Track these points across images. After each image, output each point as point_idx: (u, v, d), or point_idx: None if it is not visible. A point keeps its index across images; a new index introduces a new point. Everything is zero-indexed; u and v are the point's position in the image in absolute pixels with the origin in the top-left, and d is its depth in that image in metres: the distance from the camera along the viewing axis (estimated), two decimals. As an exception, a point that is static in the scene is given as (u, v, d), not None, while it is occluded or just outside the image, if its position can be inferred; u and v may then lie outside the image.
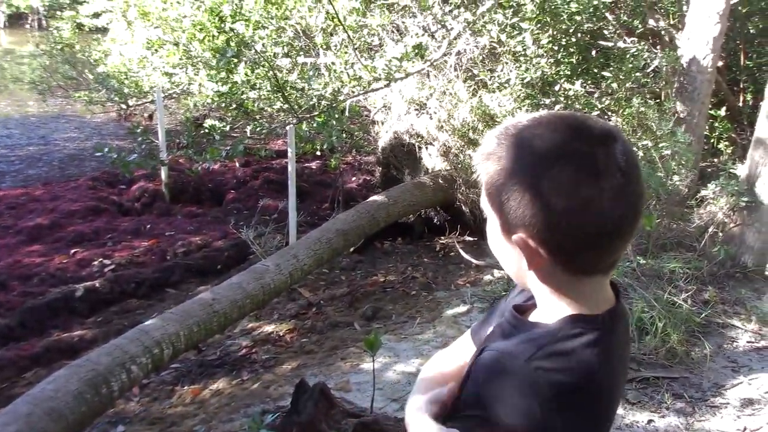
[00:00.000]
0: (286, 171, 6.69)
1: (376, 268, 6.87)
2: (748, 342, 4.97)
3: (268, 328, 5.59)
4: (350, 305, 5.97)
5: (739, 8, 9.84)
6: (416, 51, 5.91)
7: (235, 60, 5.99)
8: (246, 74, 6.01)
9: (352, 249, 6.80)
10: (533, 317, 1.18)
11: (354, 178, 9.59)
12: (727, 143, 9.24)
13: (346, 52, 6.15)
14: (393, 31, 7.03)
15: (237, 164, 9.67)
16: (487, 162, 1.10)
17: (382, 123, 7.70)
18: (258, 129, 6.96)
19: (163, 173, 8.72)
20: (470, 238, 7.09)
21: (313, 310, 5.89)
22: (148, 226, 7.94)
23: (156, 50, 7.72)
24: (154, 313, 5.35)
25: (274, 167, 9.65)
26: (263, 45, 6.32)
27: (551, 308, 1.12)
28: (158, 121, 9.01)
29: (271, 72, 6.12)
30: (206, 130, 6.72)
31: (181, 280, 6.61)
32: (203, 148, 6.48)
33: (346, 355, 4.88)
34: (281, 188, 8.06)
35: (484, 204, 1.14)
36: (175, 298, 6.03)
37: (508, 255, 1.14)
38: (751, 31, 12.78)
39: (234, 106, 7.28)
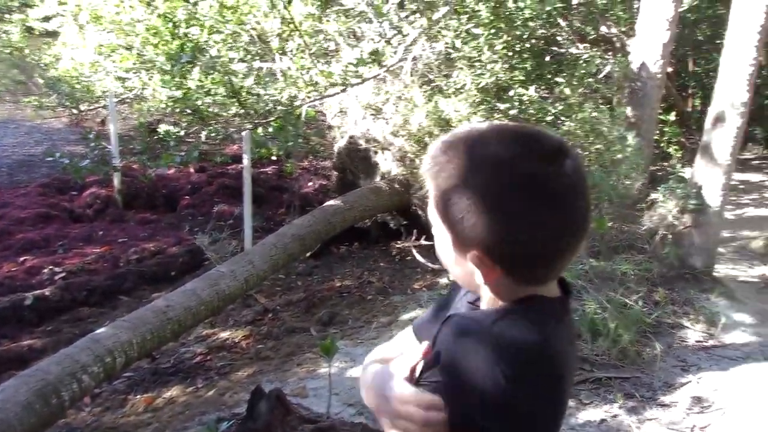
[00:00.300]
0: (242, 176, 6.65)
1: (333, 273, 6.87)
2: (696, 341, 5.09)
3: (224, 335, 5.54)
4: (307, 310, 5.95)
5: (688, 15, 10.11)
6: (372, 56, 5.94)
7: (190, 65, 5.94)
8: (200, 79, 5.96)
9: (308, 254, 6.78)
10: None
11: (310, 183, 9.56)
12: (676, 147, 9.47)
13: (302, 57, 6.14)
14: (349, 37, 7.04)
15: (192, 170, 9.56)
16: (438, 176, 1.09)
17: (339, 128, 7.71)
18: (213, 134, 6.90)
19: (116, 179, 8.59)
20: (426, 242, 7.12)
21: (269, 316, 5.86)
22: (101, 232, 7.80)
23: (109, 55, 7.61)
24: (107, 321, 5.25)
25: (230, 173, 9.56)
26: (218, 50, 6.27)
27: (498, 304, 1.15)
28: (111, 127, 8.87)
29: (226, 77, 6.08)
30: (160, 136, 6.64)
31: (134, 288, 6.50)
32: (157, 154, 6.40)
33: (302, 361, 4.86)
34: (237, 194, 8.00)
35: (433, 216, 1.14)
36: (128, 306, 5.93)
37: (460, 267, 1.14)
38: (699, 37, 13.12)
39: (189, 111, 7.21)
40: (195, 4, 5.94)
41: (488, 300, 1.16)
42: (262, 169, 9.79)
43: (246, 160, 6.37)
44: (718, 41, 10.81)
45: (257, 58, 6.96)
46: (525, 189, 1.02)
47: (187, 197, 8.94)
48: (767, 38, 5.63)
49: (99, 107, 11.50)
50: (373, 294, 6.22)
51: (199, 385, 4.72)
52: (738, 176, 9.83)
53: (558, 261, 1.09)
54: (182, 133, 6.83)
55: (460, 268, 1.14)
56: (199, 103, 6.42)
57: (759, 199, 9.97)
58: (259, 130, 6.45)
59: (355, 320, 5.65)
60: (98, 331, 4.13)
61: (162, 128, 6.72)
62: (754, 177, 11.50)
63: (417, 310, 5.68)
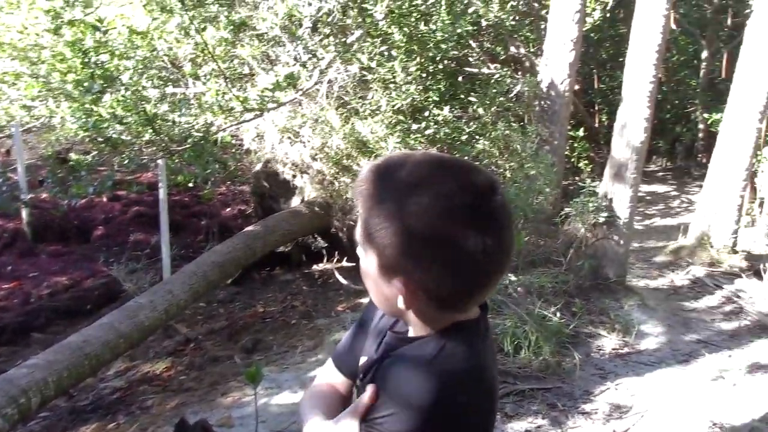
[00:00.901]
0: (158, 204, 6.51)
1: (255, 298, 6.79)
2: (613, 349, 5.26)
3: (144, 368, 5.39)
4: (229, 338, 5.85)
5: (592, 35, 10.52)
6: (288, 80, 5.93)
7: (101, 93, 5.79)
8: (112, 106, 5.81)
9: (229, 281, 6.68)
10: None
11: (229, 209, 9.44)
12: (586, 162, 9.81)
13: (216, 83, 6.09)
14: (264, 61, 7.03)
15: (105, 199, 9.29)
16: (366, 201, 1.10)
17: (256, 152, 7.66)
18: (127, 163, 6.74)
19: (24, 212, 8.26)
20: (348, 264, 7.14)
21: (191, 346, 5.74)
22: (9, 267, 7.47)
23: (13, 83, 7.34)
24: (19, 360, 5.04)
25: (145, 201, 9.32)
26: (130, 76, 6.15)
27: (423, 330, 1.17)
28: (17, 157, 8.54)
29: (139, 104, 5.96)
30: (71, 165, 6.43)
31: (47, 324, 6.25)
32: (68, 185, 6.20)
33: (227, 390, 4.77)
34: (153, 222, 7.81)
35: (360, 239, 1.15)
36: (42, 343, 5.68)
37: (383, 292, 1.16)
38: (604, 56, 13.69)
39: (100, 139, 7.02)
40: (105, 32, 5.80)
41: (415, 326, 1.18)
42: (178, 196, 9.61)
43: (162, 188, 6.25)
44: (620, 59, 11.28)
45: (170, 84, 6.86)
46: (455, 220, 1.04)
47: (101, 227, 8.66)
48: (665, 56, 5.92)
49: (2, 137, 11.05)
50: (297, 318, 6.18)
51: (120, 421, 4.57)
52: (644, 188, 10.27)
53: (482, 291, 1.13)
54: (94, 162, 6.64)
55: (383, 294, 1.15)
56: (110, 131, 6.27)
57: (665, 209, 10.41)
58: (175, 157, 6.35)
59: (279, 346, 5.60)
60: (11, 371, 3.95)
61: (73, 157, 6.52)
62: (659, 188, 12.02)
63: (342, 332, 5.67)
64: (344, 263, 7.16)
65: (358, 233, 1.15)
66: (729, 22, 12.59)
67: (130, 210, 9.05)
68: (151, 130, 6.03)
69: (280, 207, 7.58)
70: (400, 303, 1.11)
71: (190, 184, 7.09)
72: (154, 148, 6.63)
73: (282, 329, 5.98)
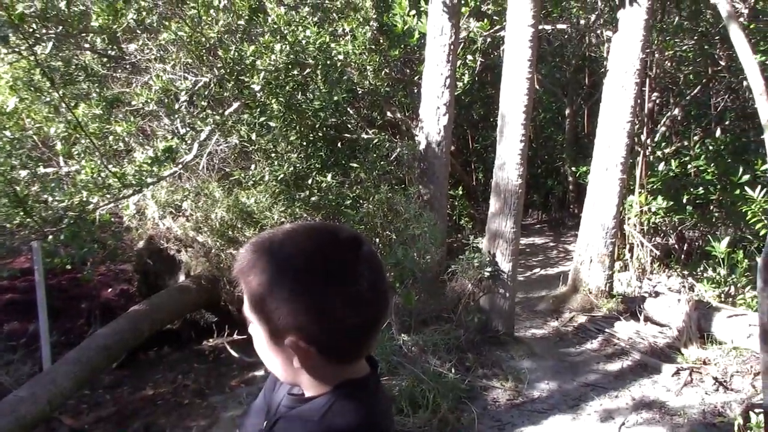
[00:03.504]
0: (33, 290, 6.18)
1: (144, 380, 6.50)
2: (508, 400, 5.37)
3: (25, 467, 5.02)
4: (119, 425, 5.56)
5: (462, 98, 10.98)
6: (166, 154, 5.85)
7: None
8: (-23, 191, 5.53)
9: (115, 364, 6.38)
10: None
11: (110, 289, 9.06)
12: (467, 219, 10.12)
13: (91, 160, 5.92)
14: (140, 136, 6.91)
15: (-28, 288, 8.73)
16: (249, 276, 1.16)
17: (137, 229, 7.45)
18: (-4, 248, 6.39)
19: None
20: (240, 337, 6.99)
21: (77, 438, 5.41)
22: None
23: None
24: None
25: (19, 287, 8.83)
26: (-4, 159, 5.89)
27: (317, 389, 1.22)
28: None
29: (8, 186, 5.69)
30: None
31: None
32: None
33: (118, 482, 4.52)
34: (29, 308, 7.38)
35: (249, 314, 1.21)
36: None
37: (277, 358, 1.21)
38: (475, 117, 14.30)
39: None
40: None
41: (309, 387, 1.22)
42: (55, 280, 9.15)
43: (37, 272, 5.95)
44: (491, 119, 11.85)
45: (41, 163, 6.61)
46: (331, 274, 1.13)
47: (-31, 319, 8.11)
48: (533, 114, 6.26)
49: None
50: (190, 397, 5.96)
51: None
52: (524, 240, 10.67)
53: (365, 336, 1.20)
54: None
55: (278, 359, 1.20)
56: (-24, 216, 5.94)
57: (544, 259, 10.84)
58: (50, 238, 6.07)
59: (173, 428, 5.37)
60: None
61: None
62: (537, 240, 12.53)
63: (237, 408, 5.52)
64: (236, 336, 7.00)
65: (246, 309, 1.21)
66: (587, 81, 13.47)
67: (2, 298, 8.52)
68: (22, 212, 5.77)
69: (166, 284, 7.37)
70: (296, 363, 1.17)
71: (68, 266, 6.78)
72: (27, 231, 6.33)
73: (174, 410, 5.74)
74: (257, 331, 1.21)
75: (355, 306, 1.13)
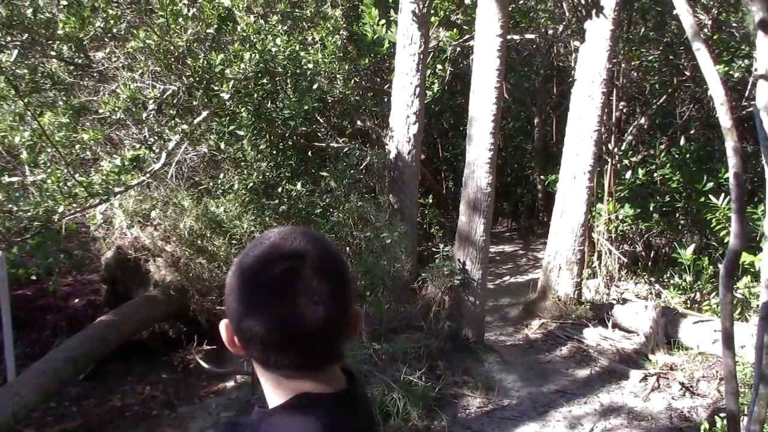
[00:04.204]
0: (-2, 301, 6.07)
1: (112, 392, 6.41)
2: (478, 408, 5.39)
3: (-11, 482, 4.93)
4: (85, 438, 5.49)
5: (432, 107, 11.03)
6: (134, 163, 5.80)
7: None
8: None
9: (82, 376, 6.28)
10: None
11: (77, 300, 8.92)
12: (437, 227, 10.15)
13: (57, 169, 5.84)
14: (107, 144, 6.84)
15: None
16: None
17: (104, 239, 7.35)
18: (-41, 258, 6.27)
19: None
20: (209, 347, 6.93)
21: (42, 452, 5.32)
22: None
23: None
24: None
25: (-18, 298, 8.67)
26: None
27: (272, 400, 1.20)
28: None
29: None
30: None
31: None
32: None
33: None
34: (-8, 321, 7.26)
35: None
36: None
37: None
38: (445, 125, 14.37)
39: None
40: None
41: (267, 397, 1.21)
42: (20, 291, 8.99)
43: (2, 283, 5.86)
44: (461, 128, 11.92)
45: (6, 172, 6.50)
46: (263, 284, 1.12)
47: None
48: (502, 123, 6.31)
49: None
50: (159, 408, 5.89)
51: None
52: (493, 248, 10.73)
53: (308, 347, 1.15)
54: None
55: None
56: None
57: (514, 267, 10.92)
58: (15, 249, 5.97)
59: (140, 440, 5.31)
60: None
61: None
62: (507, 247, 12.61)
63: (206, 418, 5.48)
64: (205, 347, 6.94)
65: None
66: (555, 90, 13.62)
67: (-37, 310, 8.36)
68: (-15, 223, 5.67)
69: (134, 294, 7.27)
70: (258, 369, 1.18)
71: (33, 277, 6.68)
72: (-9, 242, 6.23)
73: (143, 422, 5.68)
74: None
75: (292, 316, 1.11)
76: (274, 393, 1.18)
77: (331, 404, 1.18)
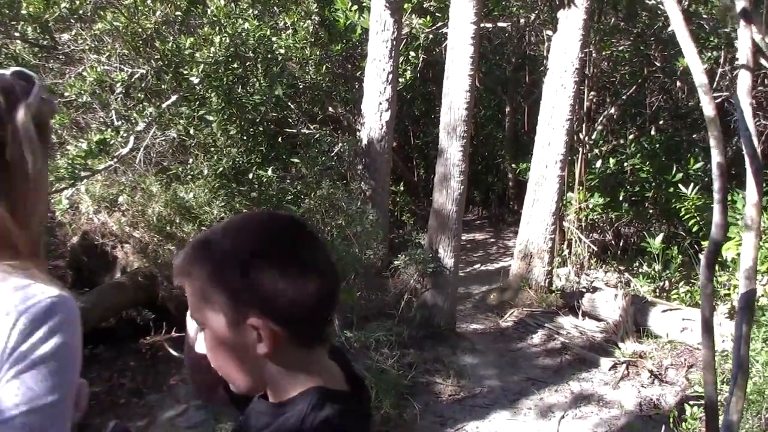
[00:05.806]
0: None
1: (78, 380, 6.30)
2: (450, 396, 5.39)
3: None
4: (50, 428, 5.37)
5: (404, 94, 10.99)
6: (100, 147, 5.67)
7: None
8: None
9: (46, 365, 6.16)
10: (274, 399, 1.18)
11: (42, 287, 8.76)
12: (409, 215, 10.12)
13: (21, 153, 5.70)
14: (73, 128, 6.70)
15: None
16: (192, 269, 1.11)
17: (71, 224, 7.21)
18: None
19: None
20: (178, 334, 6.83)
21: (6, 442, 5.20)
22: None
23: None
24: None
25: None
26: None
27: (289, 386, 1.14)
28: None
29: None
30: None
31: None
32: None
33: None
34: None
35: (198, 314, 1.13)
36: None
37: (236, 352, 1.12)
38: (417, 113, 14.33)
39: None
40: None
41: (276, 382, 1.15)
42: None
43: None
44: (433, 116, 11.89)
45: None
46: (283, 245, 1.12)
47: None
48: (474, 112, 6.29)
49: None
50: (126, 396, 5.80)
51: None
52: (465, 236, 10.74)
53: (324, 316, 1.15)
54: None
55: (236, 352, 1.12)
56: None
57: (485, 255, 10.94)
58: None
59: (108, 429, 5.21)
60: None
61: None
62: (478, 235, 12.63)
63: (175, 406, 5.41)
64: (174, 334, 6.84)
65: (193, 309, 1.13)
66: (527, 79, 13.64)
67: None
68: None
69: (101, 280, 7.15)
70: (261, 348, 1.09)
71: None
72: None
73: (110, 410, 5.57)
74: (211, 329, 1.12)
75: (312, 277, 1.10)
76: (288, 371, 1.14)
77: (350, 404, 1.17)
